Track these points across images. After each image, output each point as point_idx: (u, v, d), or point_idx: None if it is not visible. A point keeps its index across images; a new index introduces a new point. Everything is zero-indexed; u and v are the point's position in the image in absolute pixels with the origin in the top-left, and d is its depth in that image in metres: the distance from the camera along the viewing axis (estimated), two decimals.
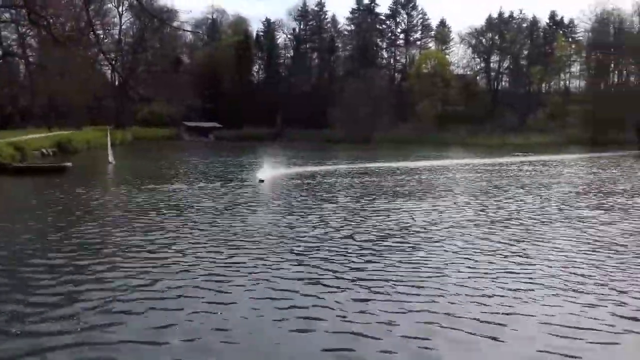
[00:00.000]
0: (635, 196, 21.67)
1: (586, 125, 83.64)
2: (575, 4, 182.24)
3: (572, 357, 6.56)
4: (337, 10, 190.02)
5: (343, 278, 9.57)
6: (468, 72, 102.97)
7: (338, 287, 9.03)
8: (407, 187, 24.24)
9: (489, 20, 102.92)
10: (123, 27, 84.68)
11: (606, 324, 7.54)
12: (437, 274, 9.91)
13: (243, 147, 59.56)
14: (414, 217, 16.05)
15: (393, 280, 9.43)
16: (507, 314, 7.89)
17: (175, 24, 72.19)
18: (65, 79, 56.35)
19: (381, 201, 19.39)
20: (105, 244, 12.00)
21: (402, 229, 14.17)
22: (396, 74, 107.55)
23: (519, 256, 11.27)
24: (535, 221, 15.55)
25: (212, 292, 8.72)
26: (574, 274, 9.95)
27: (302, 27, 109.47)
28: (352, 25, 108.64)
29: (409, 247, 12.10)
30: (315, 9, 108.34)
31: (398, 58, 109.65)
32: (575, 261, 10.88)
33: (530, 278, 9.67)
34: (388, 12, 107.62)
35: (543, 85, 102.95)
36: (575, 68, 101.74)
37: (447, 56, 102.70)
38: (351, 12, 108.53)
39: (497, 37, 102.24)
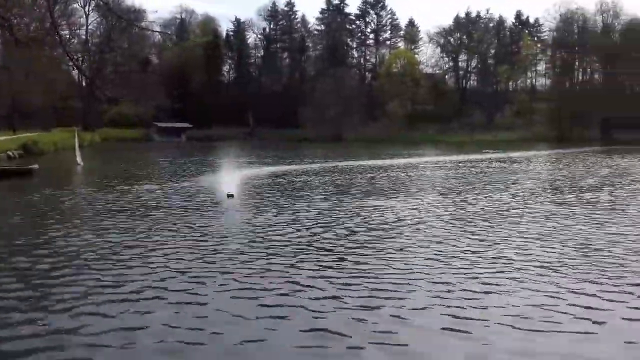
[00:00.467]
0: (598, 191, 22.27)
1: (552, 122, 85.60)
2: (540, 4, 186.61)
3: (541, 350, 6.76)
4: (306, 10, 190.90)
5: (314, 276, 9.64)
6: (437, 71, 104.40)
7: (309, 286, 9.10)
8: (378, 185, 24.46)
9: (457, 19, 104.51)
10: (90, 27, 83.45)
11: (575, 315, 7.77)
12: (407, 270, 10.06)
13: (216, 147, 59.21)
14: (384, 214, 16.21)
15: (363, 277, 9.54)
16: (477, 308, 8.05)
17: (143, 24, 71.23)
18: (29, 79, 55.20)
19: (352, 199, 19.53)
20: (73, 246, 11.83)
21: (373, 227, 14.31)
22: (366, 74, 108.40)
23: (488, 251, 11.50)
24: (502, 217, 15.86)
25: (182, 293, 8.70)
26: (542, 267, 10.21)
27: (272, 26, 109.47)
28: (322, 25, 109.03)
29: (380, 244, 12.23)
30: (285, 8, 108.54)
31: (368, 58, 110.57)
32: (541, 255, 11.16)
33: (498, 272, 9.89)
34: (357, 12, 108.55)
35: (510, 83, 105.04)
36: (541, 67, 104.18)
37: (416, 55, 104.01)
38: (321, 12, 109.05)
39: (464, 37, 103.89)
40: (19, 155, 39.37)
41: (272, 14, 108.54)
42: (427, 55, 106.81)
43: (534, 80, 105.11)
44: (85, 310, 7.89)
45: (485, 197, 20.38)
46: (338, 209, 17.37)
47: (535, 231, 13.69)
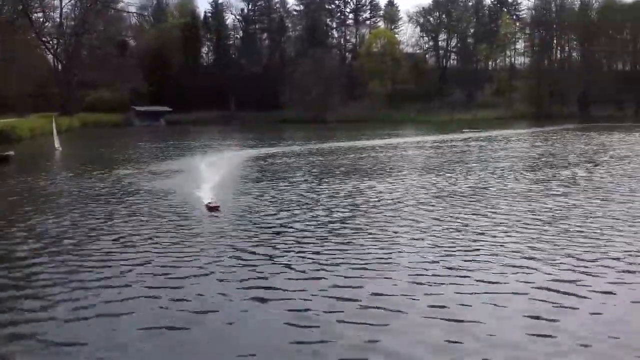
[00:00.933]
0: (575, 168, 22.61)
1: (531, 100, 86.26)
2: None
3: (521, 329, 6.93)
4: None
5: (295, 257, 9.72)
6: (417, 51, 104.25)
7: (291, 267, 9.18)
8: (358, 166, 24.54)
9: None
10: (65, 10, 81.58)
11: (549, 289, 7.97)
12: (387, 249, 10.17)
13: (196, 131, 58.76)
14: (364, 195, 16.32)
15: (344, 257, 9.64)
16: (455, 285, 8.21)
17: (119, 5, 70.05)
18: (2, 64, 54.01)
19: (331, 181, 19.60)
20: (51, 232, 11.75)
21: (353, 207, 14.42)
22: (347, 54, 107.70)
23: (467, 229, 11.67)
24: (481, 196, 16.06)
25: (163, 277, 8.73)
26: (524, 245, 10.41)
27: (250, 7, 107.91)
28: (301, 5, 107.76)
29: (360, 224, 12.34)
30: None
31: (348, 38, 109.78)
32: (523, 233, 11.36)
33: (475, 250, 10.06)
34: None
35: (490, 62, 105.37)
36: (520, 45, 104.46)
37: (396, 35, 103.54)
38: None
39: (444, 16, 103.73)
40: None
41: None
42: (407, 34, 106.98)
43: (513, 59, 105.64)
44: (65, 297, 7.88)
45: (464, 176, 20.57)
46: (318, 190, 17.43)
47: (513, 209, 13.90)
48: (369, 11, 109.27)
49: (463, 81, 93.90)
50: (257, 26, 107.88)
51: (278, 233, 11.57)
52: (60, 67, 79.30)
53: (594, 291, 7.90)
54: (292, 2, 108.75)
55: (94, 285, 8.34)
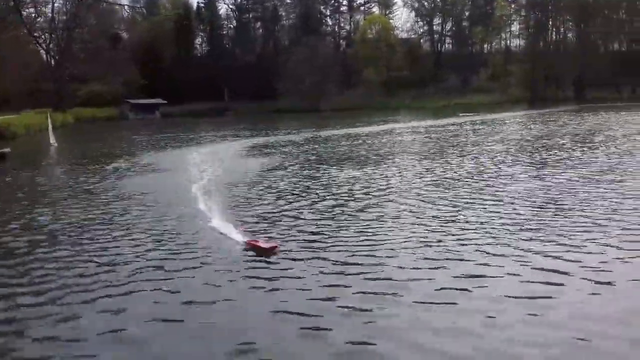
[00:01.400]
0: (571, 150, 22.61)
1: (526, 84, 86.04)
2: None
3: (515, 313, 6.95)
4: None
5: (292, 246, 9.73)
6: (412, 36, 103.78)
7: (293, 258, 9.18)
8: (354, 153, 24.50)
9: None
10: (57, 4, 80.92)
11: (544, 269, 7.99)
12: (383, 237, 10.18)
13: (192, 123, 58.59)
14: (360, 182, 16.31)
15: (339, 245, 9.64)
16: (454, 277, 8.22)
17: None
18: None
19: (327, 169, 19.60)
20: (46, 227, 11.74)
21: (350, 194, 14.41)
22: (341, 41, 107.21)
23: (463, 214, 11.67)
24: (477, 180, 16.07)
25: (156, 269, 8.71)
26: (516, 227, 10.43)
27: None
28: None
29: (356, 211, 12.34)
30: None
31: (342, 25, 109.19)
32: (516, 215, 11.38)
33: (472, 234, 10.06)
34: None
35: (485, 45, 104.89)
36: (515, 27, 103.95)
37: (391, 20, 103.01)
38: None
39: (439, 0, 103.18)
40: None
41: None
42: (402, 19, 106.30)
43: (508, 42, 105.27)
44: (62, 292, 7.87)
45: (461, 161, 20.56)
46: (313, 178, 17.43)
47: (508, 192, 13.92)
48: None
49: (458, 66, 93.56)
50: (250, 15, 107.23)
51: (274, 222, 11.56)
52: (53, 62, 78.84)
53: (591, 270, 7.92)
54: None
55: (91, 280, 8.33)
